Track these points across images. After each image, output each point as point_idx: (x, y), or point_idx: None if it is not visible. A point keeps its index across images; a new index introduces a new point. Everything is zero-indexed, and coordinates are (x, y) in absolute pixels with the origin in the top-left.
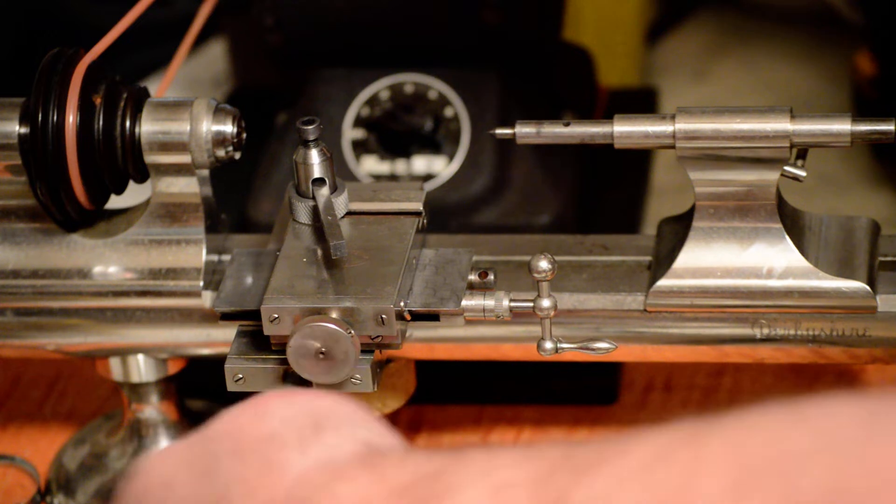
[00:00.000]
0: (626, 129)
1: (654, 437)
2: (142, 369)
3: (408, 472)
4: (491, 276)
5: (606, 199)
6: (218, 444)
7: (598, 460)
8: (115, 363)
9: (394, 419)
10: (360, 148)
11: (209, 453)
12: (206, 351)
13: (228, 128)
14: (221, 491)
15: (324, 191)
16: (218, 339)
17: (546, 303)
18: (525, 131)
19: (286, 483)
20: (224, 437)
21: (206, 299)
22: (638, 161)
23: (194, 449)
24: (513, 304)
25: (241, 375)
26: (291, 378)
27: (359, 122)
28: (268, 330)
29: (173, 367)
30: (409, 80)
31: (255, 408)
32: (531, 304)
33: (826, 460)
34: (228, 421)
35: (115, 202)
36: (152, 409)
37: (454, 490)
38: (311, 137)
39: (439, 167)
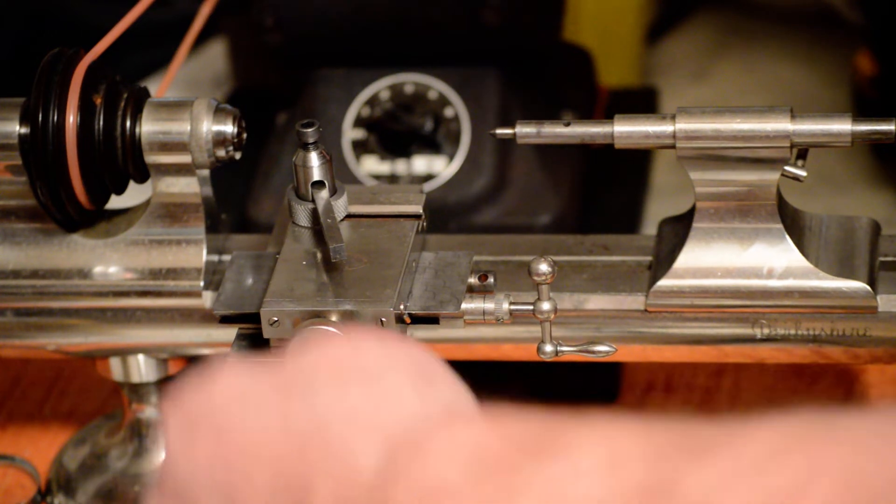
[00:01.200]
0: (626, 129)
1: (771, 430)
2: (142, 369)
3: (528, 424)
4: (491, 279)
5: (606, 199)
6: (311, 374)
7: (714, 447)
8: (115, 363)
9: None
10: (360, 148)
11: (301, 381)
12: (206, 351)
13: (228, 128)
14: (320, 417)
15: (323, 194)
16: (218, 339)
17: (546, 306)
18: (525, 131)
19: (404, 416)
20: (317, 369)
21: (207, 299)
22: (638, 161)
23: (280, 374)
24: (512, 307)
25: None
26: None
27: (359, 122)
28: (267, 333)
29: (173, 367)
30: (409, 80)
31: (350, 342)
32: (531, 307)
33: None
34: (318, 355)
35: (115, 202)
36: (152, 409)
37: (572, 448)
38: (311, 140)
39: (439, 167)
